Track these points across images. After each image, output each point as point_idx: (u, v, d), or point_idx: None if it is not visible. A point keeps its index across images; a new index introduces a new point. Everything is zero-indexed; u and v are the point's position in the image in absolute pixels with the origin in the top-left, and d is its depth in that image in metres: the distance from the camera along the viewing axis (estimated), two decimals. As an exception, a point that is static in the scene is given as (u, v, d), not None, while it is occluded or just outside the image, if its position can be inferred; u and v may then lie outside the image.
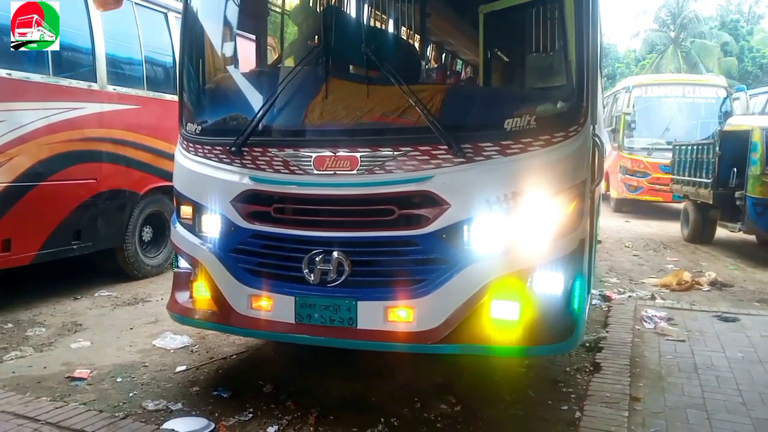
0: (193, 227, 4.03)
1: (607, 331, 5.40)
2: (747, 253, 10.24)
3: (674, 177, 12.32)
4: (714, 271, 8.39)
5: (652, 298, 6.91)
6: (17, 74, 5.66)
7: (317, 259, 3.56)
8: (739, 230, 9.77)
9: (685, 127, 14.86)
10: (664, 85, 16.34)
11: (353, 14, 4.68)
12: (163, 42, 7.65)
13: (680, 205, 12.50)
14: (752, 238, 10.72)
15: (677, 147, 12.45)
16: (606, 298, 6.73)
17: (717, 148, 10.10)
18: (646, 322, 5.74)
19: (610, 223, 13.80)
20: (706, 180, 10.49)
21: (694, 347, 5.07)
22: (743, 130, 9.78)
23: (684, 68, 36.71)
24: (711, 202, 10.34)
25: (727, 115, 14.33)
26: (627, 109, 14.93)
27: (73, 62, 6.43)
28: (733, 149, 9.70)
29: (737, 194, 9.41)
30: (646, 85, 16.35)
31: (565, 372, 4.54)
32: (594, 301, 6.42)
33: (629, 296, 6.96)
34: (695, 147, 11.38)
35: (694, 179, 11.09)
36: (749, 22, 45.07)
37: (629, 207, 16.15)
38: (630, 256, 10.05)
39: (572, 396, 4.11)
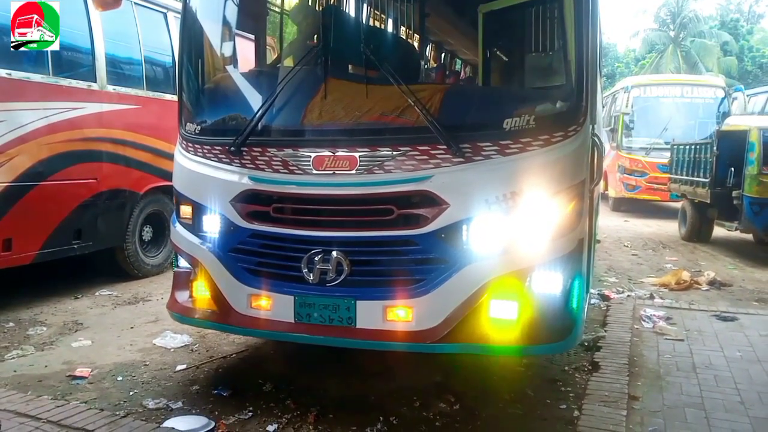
0: (193, 227, 4.04)
1: (605, 331, 5.41)
2: (746, 252, 10.26)
3: (672, 176, 12.38)
4: (713, 270, 8.40)
5: (651, 297, 6.92)
6: (17, 74, 5.67)
7: (316, 258, 3.57)
8: (736, 229, 9.83)
9: (684, 127, 14.91)
10: (662, 86, 16.40)
11: (352, 14, 4.69)
12: (162, 42, 7.66)
13: (679, 204, 12.54)
14: (751, 237, 10.74)
15: (675, 147, 12.50)
16: (605, 298, 6.74)
17: (715, 148, 10.15)
18: (644, 321, 5.75)
19: (609, 223, 13.83)
20: (703, 179, 10.53)
21: (692, 346, 5.08)
22: (741, 130, 9.82)
23: (684, 68, 36.72)
24: (708, 201, 10.39)
25: (725, 115, 14.37)
26: (625, 109, 14.98)
27: (72, 62, 6.43)
28: (730, 149, 9.76)
29: (734, 194, 9.48)
30: (644, 85, 16.42)
31: (563, 371, 4.55)
32: (593, 301, 6.44)
33: (628, 295, 6.98)
34: (693, 147, 11.42)
35: (691, 178, 11.13)
36: (749, 22, 45.04)
37: (627, 206, 16.24)
38: (629, 255, 10.07)
39: (571, 395, 4.12)
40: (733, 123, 11.21)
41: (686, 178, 11.41)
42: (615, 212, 16.32)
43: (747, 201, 9.15)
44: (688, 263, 9.24)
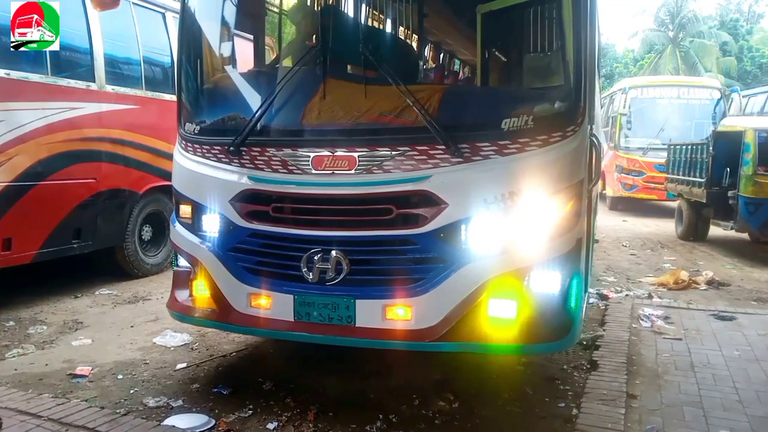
0: (193, 226, 4.05)
1: (604, 330, 5.42)
2: (745, 252, 10.28)
3: (669, 176, 12.48)
4: (711, 270, 8.43)
5: (650, 296, 6.95)
6: (16, 74, 5.67)
7: (316, 257, 3.57)
8: (731, 228, 9.95)
9: (680, 128, 15.14)
10: (659, 87, 16.62)
11: (351, 14, 4.71)
12: (161, 42, 7.67)
13: (676, 204, 12.64)
14: (747, 236, 10.81)
15: (672, 147, 12.61)
16: (603, 297, 6.76)
17: (711, 149, 10.24)
18: (643, 320, 5.77)
19: (608, 222, 13.88)
20: (700, 179, 10.64)
21: (690, 345, 5.10)
22: (736, 131, 9.90)
23: (682, 68, 36.71)
24: (704, 201, 10.50)
25: (724, 115, 14.49)
26: (623, 110, 15.13)
27: (71, 62, 6.42)
28: (726, 149, 9.87)
29: (730, 193, 9.62)
30: (642, 86, 16.63)
31: (562, 369, 4.56)
32: (591, 300, 6.45)
33: (626, 295, 7.00)
34: (690, 147, 11.53)
35: (688, 178, 11.24)
36: (749, 22, 45.01)
37: (624, 205, 16.51)
38: (627, 255, 10.09)
39: (569, 393, 4.13)
40: (728, 124, 11.29)
41: (683, 177, 11.52)
42: (612, 211, 16.54)
43: (742, 201, 9.27)
44: (687, 263, 9.26)
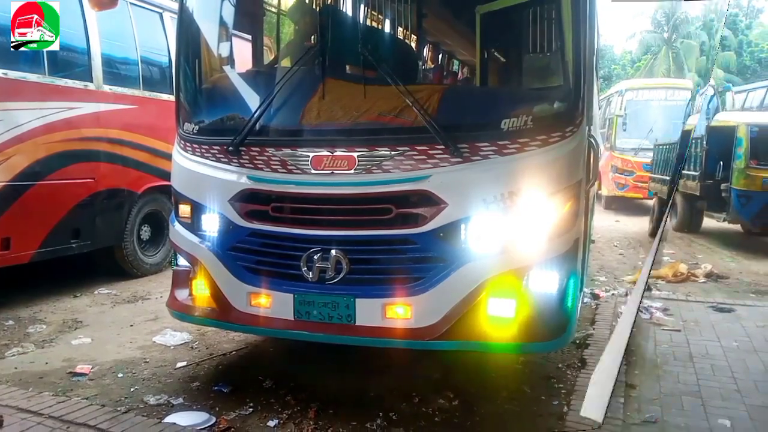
0: (192, 226, 4.05)
1: (594, 328, 5.44)
2: (743, 245, 10.40)
3: (652, 175, 12.68)
4: (710, 263, 8.51)
5: (648, 289, 6.96)
6: (13, 74, 5.67)
7: (315, 257, 3.58)
8: (724, 220, 10.24)
9: (664, 128, 15.36)
10: (648, 89, 17.01)
11: (350, 14, 4.72)
12: (158, 42, 7.67)
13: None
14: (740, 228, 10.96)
15: (657, 146, 12.81)
16: (595, 296, 6.78)
17: (704, 143, 10.44)
18: (642, 312, 5.77)
19: (602, 222, 13.92)
20: (693, 173, 10.83)
21: (689, 337, 5.14)
22: (729, 125, 10.04)
23: (673, 69, 36.89)
24: (698, 194, 10.69)
25: (688, 116, 14.67)
26: (619, 112, 15.30)
27: (69, 62, 6.42)
28: (719, 144, 10.06)
29: (723, 186, 9.87)
30: (636, 89, 16.97)
31: (557, 368, 4.58)
32: (585, 300, 6.47)
33: (612, 294, 7.00)
34: (665, 147, 11.79)
35: (663, 177, 11.55)
36: (748, 17, 44.98)
37: (618, 204, 16.79)
38: (617, 255, 10.13)
39: (563, 391, 4.15)
40: (722, 119, 11.44)
41: (661, 176, 11.75)
42: (607, 210, 16.70)
43: (735, 193, 9.53)
44: (686, 256, 9.34)
